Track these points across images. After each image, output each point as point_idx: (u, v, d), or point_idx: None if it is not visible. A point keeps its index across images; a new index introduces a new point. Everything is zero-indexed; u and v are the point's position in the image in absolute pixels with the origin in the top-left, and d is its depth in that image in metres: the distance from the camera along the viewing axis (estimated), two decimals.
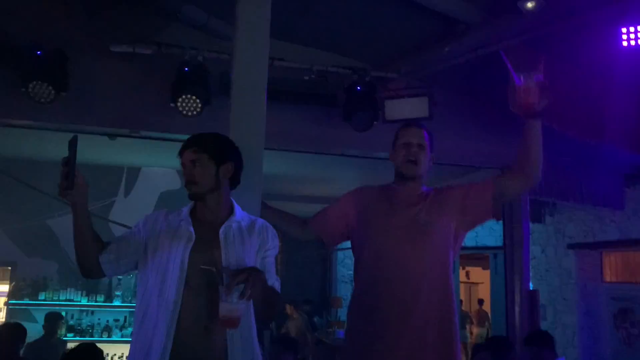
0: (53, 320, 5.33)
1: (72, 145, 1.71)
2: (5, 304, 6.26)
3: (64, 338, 5.67)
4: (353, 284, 2.35)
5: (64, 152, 1.74)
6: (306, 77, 4.20)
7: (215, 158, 1.94)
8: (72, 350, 3.18)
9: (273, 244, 2.00)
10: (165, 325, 1.79)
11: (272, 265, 1.97)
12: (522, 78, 2.09)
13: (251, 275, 1.74)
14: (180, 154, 1.97)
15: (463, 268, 12.08)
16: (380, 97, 4.27)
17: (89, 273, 1.91)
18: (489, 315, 10.45)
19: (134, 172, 6.65)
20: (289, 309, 7.78)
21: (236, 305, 1.70)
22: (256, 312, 1.92)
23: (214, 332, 1.82)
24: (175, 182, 6.56)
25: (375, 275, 2.18)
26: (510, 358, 4.22)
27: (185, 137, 2.04)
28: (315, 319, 9.14)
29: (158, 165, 6.52)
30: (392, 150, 2.37)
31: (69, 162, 1.70)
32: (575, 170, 5.54)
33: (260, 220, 2.06)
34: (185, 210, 1.98)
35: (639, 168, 5.79)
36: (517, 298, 4.96)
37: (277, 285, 1.95)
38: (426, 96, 4.22)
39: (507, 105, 4.13)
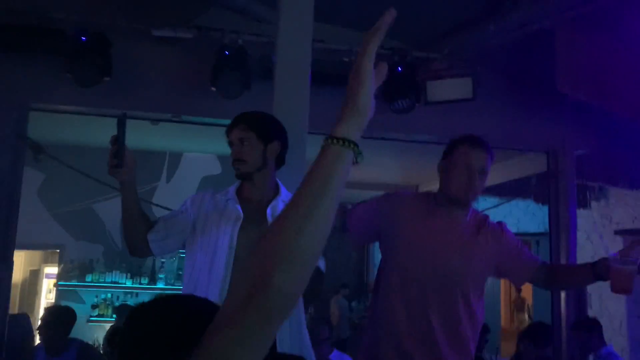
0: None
1: (121, 123, 1.72)
2: (55, 285, 6.48)
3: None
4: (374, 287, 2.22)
5: (109, 137, 1.76)
6: (346, 59, 4.14)
7: (263, 137, 1.93)
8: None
9: None
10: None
11: None
12: (618, 258, 1.85)
13: None
14: (228, 132, 1.97)
15: None
16: (422, 78, 4.18)
17: (137, 251, 1.93)
18: (526, 301, 10.36)
19: (176, 158, 6.75)
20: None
21: None
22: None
23: None
24: (216, 167, 6.63)
25: (398, 298, 2.04)
26: (552, 344, 4.15)
27: (226, 121, 2.03)
28: (354, 304, 9.16)
29: (199, 150, 6.60)
30: (444, 162, 2.07)
31: (118, 140, 1.71)
32: (624, 154, 5.33)
33: None
34: (232, 189, 1.99)
35: None
36: None
37: (322, 265, 1.94)
38: (470, 77, 4.11)
39: (554, 86, 4.02)
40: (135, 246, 1.92)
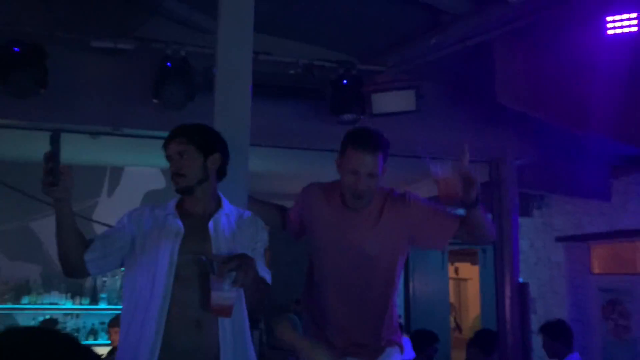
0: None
1: (55, 140, 1.64)
2: None
3: None
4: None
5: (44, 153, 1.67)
6: (292, 71, 4.14)
7: (202, 149, 1.88)
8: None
9: (262, 237, 1.95)
10: (155, 321, 1.74)
11: (261, 257, 1.92)
12: (439, 169, 1.90)
13: (243, 262, 1.69)
14: (166, 146, 1.90)
15: (452, 264, 12.10)
16: (367, 90, 4.23)
17: (73, 272, 1.83)
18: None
19: (117, 172, 6.53)
20: None
21: (228, 293, 1.66)
22: (247, 304, 1.87)
23: (205, 326, 1.76)
24: (159, 182, 6.46)
25: (323, 290, 2.14)
26: (498, 350, 4.22)
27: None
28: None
29: (142, 164, 6.41)
30: (339, 160, 2.06)
31: (53, 157, 1.62)
32: (562, 163, 5.55)
33: (248, 213, 2.01)
34: (172, 203, 1.92)
35: (625, 159, 5.80)
36: (508, 292, 4.94)
37: (267, 278, 1.90)
38: (413, 89, 4.19)
39: (495, 98, 4.13)
40: (71, 267, 1.82)
